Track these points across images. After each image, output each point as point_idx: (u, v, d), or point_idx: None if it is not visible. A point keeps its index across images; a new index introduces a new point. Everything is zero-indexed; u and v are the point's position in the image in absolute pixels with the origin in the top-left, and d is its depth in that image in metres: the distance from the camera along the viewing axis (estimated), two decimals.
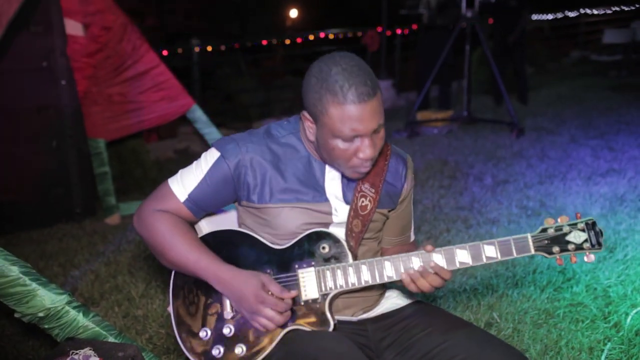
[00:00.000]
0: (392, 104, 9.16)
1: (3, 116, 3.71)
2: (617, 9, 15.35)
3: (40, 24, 3.70)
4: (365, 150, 1.35)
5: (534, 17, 14.41)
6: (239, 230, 1.51)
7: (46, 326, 1.74)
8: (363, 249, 1.53)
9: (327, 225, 1.48)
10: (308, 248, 1.44)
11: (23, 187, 3.84)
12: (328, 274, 1.42)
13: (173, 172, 1.54)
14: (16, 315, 1.73)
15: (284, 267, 1.44)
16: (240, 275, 1.38)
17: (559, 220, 1.40)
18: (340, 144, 1.35)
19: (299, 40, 10.17)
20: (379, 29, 9.66)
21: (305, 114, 1.40)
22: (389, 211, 1.58)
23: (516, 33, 7.65)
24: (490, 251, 1.39)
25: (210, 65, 9.25)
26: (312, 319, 1.40)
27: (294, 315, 1.40)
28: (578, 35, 14.61)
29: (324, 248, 1.44)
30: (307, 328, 1.39)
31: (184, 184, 1.48)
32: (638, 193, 3.81)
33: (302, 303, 1.41)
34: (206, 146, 1.56)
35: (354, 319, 1.52)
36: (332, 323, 1.40)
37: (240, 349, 1.39)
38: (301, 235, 1.45)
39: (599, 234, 1.38)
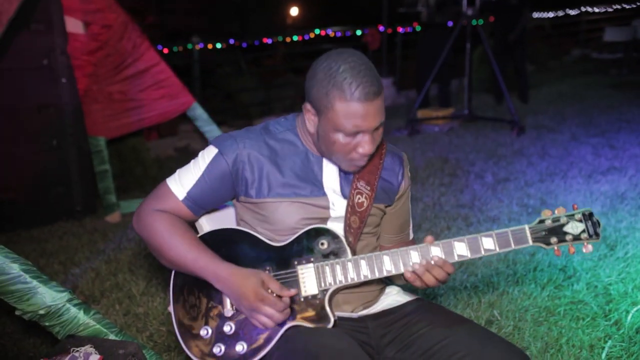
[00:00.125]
0: (392, 102, 9.16)
1: (3, 114, 3.71)
2: (618, 6, 15.34)
3: (40, 22, 3.71)
4: (365, 146, 1.38)
5: (535, 15, 14.41)
6: (237, 229, 1.51)
7: (47, 324, 1.74)
8: (362, 244, 1.54)
9: (324, 220, 1.49)
10: (307, 244, 1.44)
11: (23, 185, 3.85)
12: (327, 269, 1.42)
13: (173, 170, 1.55)
14: (17, 312, 1.74)
15: (283, 264, 1.44)
16: (239, 273, 1.38)
17: (556, 211, 1.41)
18: (341, 138, 1.37)
19: (299, 38, 10.15)
20: (380, 27, 9.66)
21: (308, 106, 1.42)
22: (386, 207, 1.59)
23: (517, 31, 7.64)
24: (488, 243, 1.39)
25: (210, 64, 9.25)
26: (312, 315, 1.40)
27: (294, 312, 1.41)
28: (579, 33, 14.58)
29: (322, 244, 1.44)
30: (308, 324, 1.39)
31: (182, 182, 1.49)
32: (639, 191, 3.81)
33: (302, 299, 1.42)
34: (206, 144, 1.56)
35: (355, 315, 1.52)
36: (332, 319, 1.40)
37: (241, 347, 1.39)
38: (300, 232, 1.45)
39: (596, 224, 1.40)
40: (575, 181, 4.16)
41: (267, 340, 1.38)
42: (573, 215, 1.40)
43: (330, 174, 1.51)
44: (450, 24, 7.11)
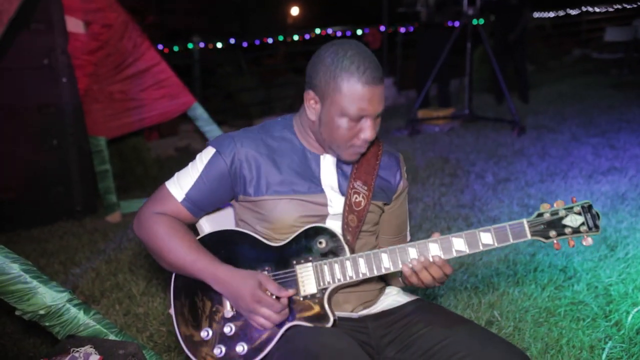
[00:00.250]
0: (393, 102, 9.16)
1: (4, 114, 3.71)
2: (619, 6, 15.33)
3: (41, 21, 3.71)
4: (367, 132, 1.41)
5: (536, 15, 14.40)
6: (236, 230, 1.51)
7: (47, 324, 1.74)
8: (360, 243, 1.54)
9: (323, 217, 1.49)
10: (305, 244, 1.45)
11: (24, 184, 3.85)
12: (326, 268, 1.42)
13: (174, 170, 1.55)
14: (17, 312, 1.74)
15: (282, 264, 1.44)
16: (237, 274, 1.39)
17: (554, 204, 1.39)
18: (345, 123, 1.40)
19: (300, 38, 10.15)
20: (381, 27, 9.65)
21: (311, 93, 1.44)
22: (384, 204, 1.59)
23: (517, 31, 7.64)
24: (486, 238, 1.38)
25: (211, 63, 9.24)
26: (312, 315, 1.40)
27: (293, 312, 1.40)
28: (579, 33, 14.58)
29: (320, 243, 1.44)
30: (307, 324, 1.39)
31: (180, 184, 1.50)
32: (639, 191, 3.81)
33: (301, 299, 1.41)
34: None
35: (355, 315, 1.52)
36: (331, 318, 1.39)
37: (241, 348, 1.39)
38: (298, 232, 1.45)
39: (595, 217, 1.37)
40: (576, 181, 4.16)
41: (267, 341, 1.38)
42: (572, 208, 1.38)
43: (328, 171, 1.52)
44: (449, 23, 7.10)
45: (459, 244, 1.39)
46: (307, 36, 10.06)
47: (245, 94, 9.03)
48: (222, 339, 1.41)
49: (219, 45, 8.41)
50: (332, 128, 1.41)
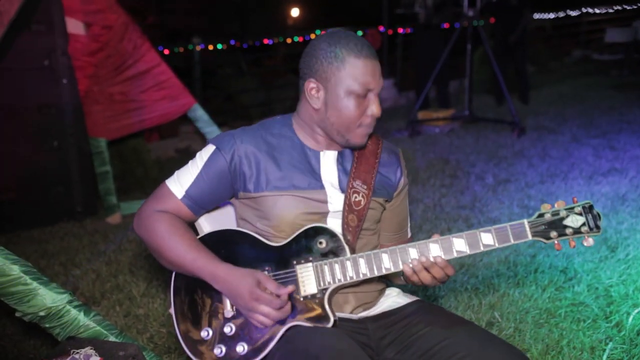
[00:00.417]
0: (393, 103, 9.16)
1: (4, 114, 3.71)
2: (619, 8, 15.32)
3: (41, 23, 3.71)
4: (374, 107, 1.44)
5: (536, 16, 14.39)
6: (236, 230, 1.51)
7: (47, 325, 1.74)
8: (361, 243, 1.54)
9: (324, 214, 1.49)
10: (305, 244, 1.44)
11: (24, 185, 3.85)
12: (326, 268, 1.42)
13: (174, 171, 1.55)
14: (17, 314, 1.73)
15: (282, 264, 1.44)
16: (236, 273, 1.39)
17: (555, 205, 1.38)
18: (352, 101, 1.42)
19: (300, 39, 10.15)
20: (380, 28, 9.65)
21: (312, 82, 1.46)
22: (385, 201, 1.59)
23: (518, 32, 7.64)
24: (487, 239, 1.38)
25: (211, 65, 9.24)
26: (312, 315, 1.40)
27: (294, 312, 1.40)
28: (580, 34, 14.58)
29: (321, 243, 1.44)
30: (308, 324, 1.39)
31: (180, 181, 1.50)
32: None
33: (302, 299, 1.41)
34: None
35: (354, 316, 1.52)
36: (332, 318, 1.39)
37: (241, 348, 1.39)
38: (298, 232, 1.45)
39: (596, 217, 1.36)
40: (576, 182, 4.16)
41: (268, 341, 1.38)
42: (573, 208, 1.37)
43: (328, 167, 1.52)
44: (448, 25, 7.11)
45: (460, 245, 1.39)
46: (307, 37, 10.06)
47: (245, 95, 9.04)
48: (222, 338, 1.41)
49: (220, 46, 8.41)
50: (341, 109, 1.43)
